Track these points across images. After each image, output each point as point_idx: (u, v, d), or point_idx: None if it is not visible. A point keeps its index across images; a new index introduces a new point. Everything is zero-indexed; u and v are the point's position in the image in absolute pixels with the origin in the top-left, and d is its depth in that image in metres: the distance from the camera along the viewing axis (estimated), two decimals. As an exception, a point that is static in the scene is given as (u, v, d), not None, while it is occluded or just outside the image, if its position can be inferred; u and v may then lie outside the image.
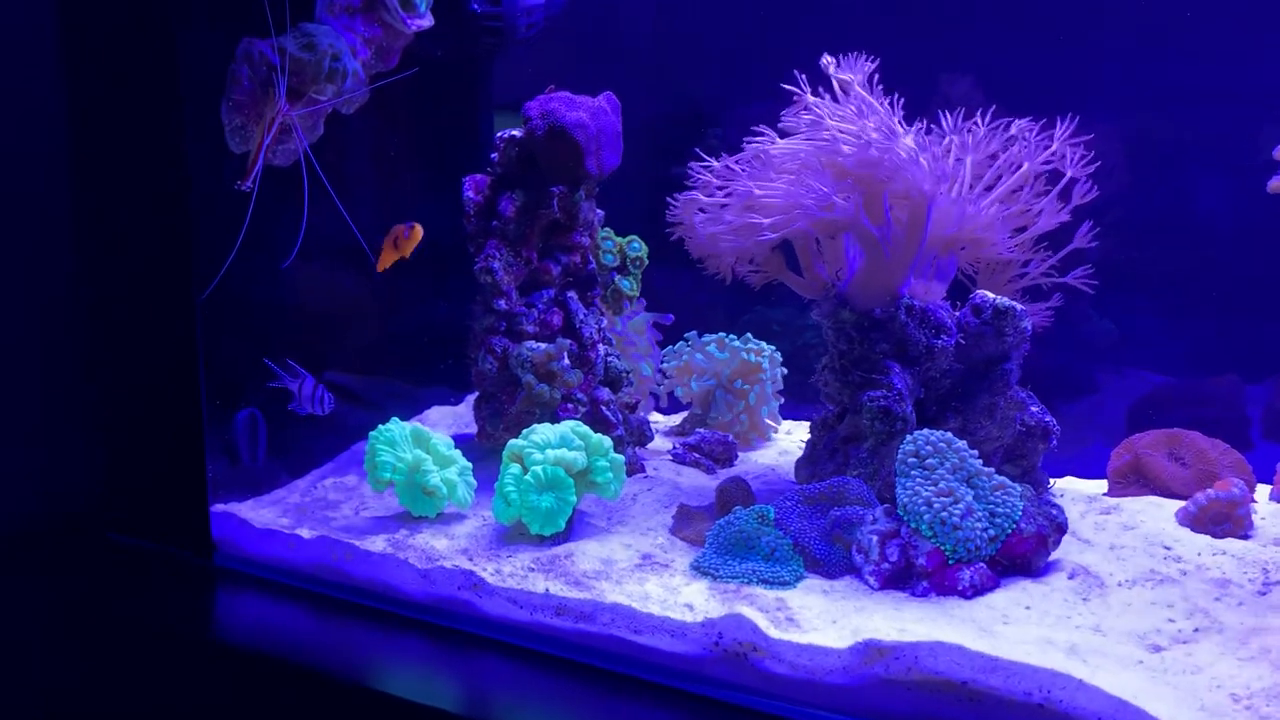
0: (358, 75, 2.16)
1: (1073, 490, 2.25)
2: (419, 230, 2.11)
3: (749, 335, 2.59)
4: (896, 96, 1.93)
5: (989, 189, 2.07)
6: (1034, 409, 2.07)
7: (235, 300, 2.08)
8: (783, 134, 1.99)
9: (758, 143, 1.99)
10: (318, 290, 2.35)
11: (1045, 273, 2.15)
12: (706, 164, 2.10)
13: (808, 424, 2.67)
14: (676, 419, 2.72)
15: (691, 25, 2.85)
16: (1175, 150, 2.52)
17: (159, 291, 2.12)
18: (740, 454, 2.46)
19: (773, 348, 2.59)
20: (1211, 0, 2.35)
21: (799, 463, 2.20)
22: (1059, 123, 2.05)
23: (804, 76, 1.98)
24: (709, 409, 2.56)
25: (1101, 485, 2.29)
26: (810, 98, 1.93)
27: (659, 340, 2.70)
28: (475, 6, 2.42)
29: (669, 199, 2.14)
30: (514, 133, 2.29)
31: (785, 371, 2.60)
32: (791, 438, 2.62)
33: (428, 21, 2.27)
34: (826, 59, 1.94)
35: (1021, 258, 2.08)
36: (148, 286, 2.14)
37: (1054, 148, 2.04)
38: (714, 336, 2.60)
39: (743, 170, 2.03)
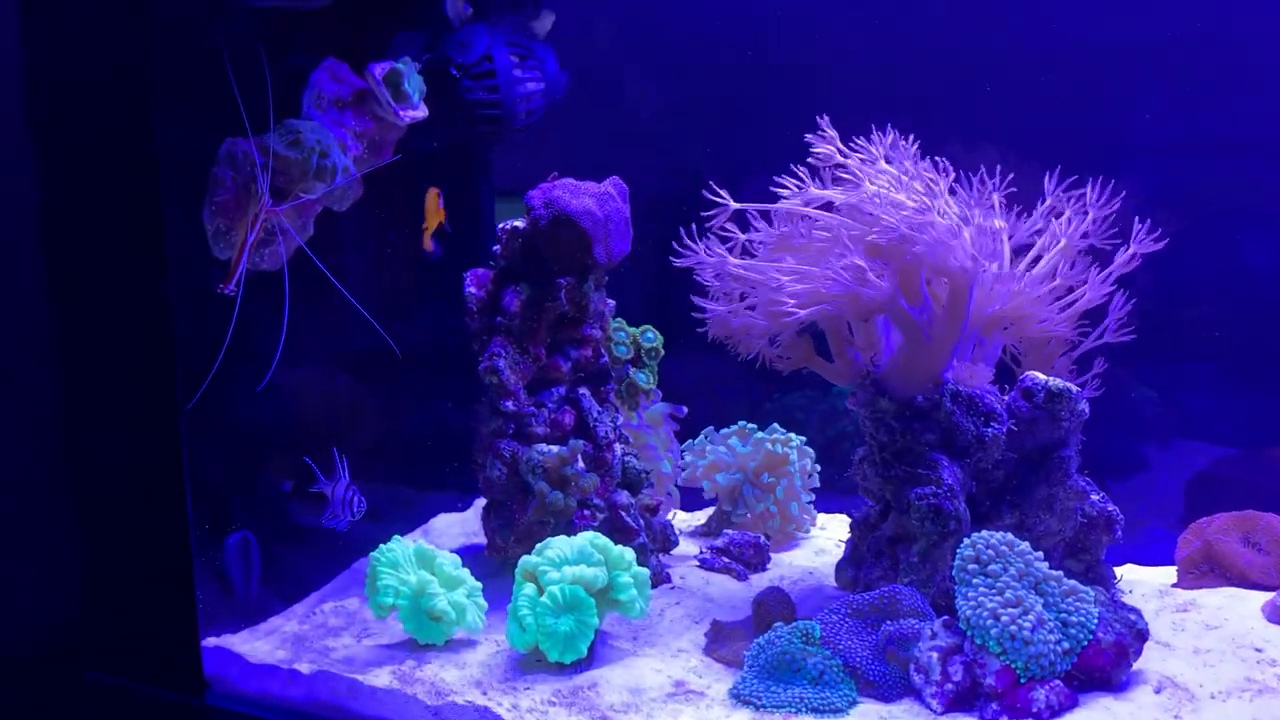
0: (349, 171, 2.05)
1: (1138, 581, 2.06)
2: (433, 192, 2.04)
3: (774, 425, 2.43)
4: (940, 163, 1.78)
5: (1033, 262, 1.92)
6: (1094, 498, 1.89)
7: (223, 413, 1.94)
8: (808, 201, 1.84)
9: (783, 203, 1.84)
10: (312, 396, 2.20)
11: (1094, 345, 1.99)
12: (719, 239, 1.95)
13: (842, 518, 2.51)
14: (700, 516, 2.54)
15: (698, 107, 2.74)
16: (1222, 205, 2.39)
17: (140, 404, 1.97)
18: (772, 555, 2.28)
19: (802, 439, 2.42)
20: (1256, 48, 2.25)
21: (840, 565, 2.02)
22: (1091, 186, 1.92)
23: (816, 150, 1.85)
24: (735, 506, 2.38)
25: (1168, 574, 2.12)
26: (835, 160, 1.79)
27: (676, 431, 2.53)
28: (470, 96, 2.31)
29: (677, 245, 1.98)
30: (516, 223, 2.15)
31: (819, 468, 2.43)
32: (827, 534, 2.44)
33: (421, 113, 2.16)
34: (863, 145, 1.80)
35: (1069, 333, 1.92)
36: (128, 399, 1.99)
37: (1091, 215, 1.90)
38: (734, 428, 2.44)
39: (764, 241, 1.88)
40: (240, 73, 1.90)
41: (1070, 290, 1.93)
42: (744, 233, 1.92)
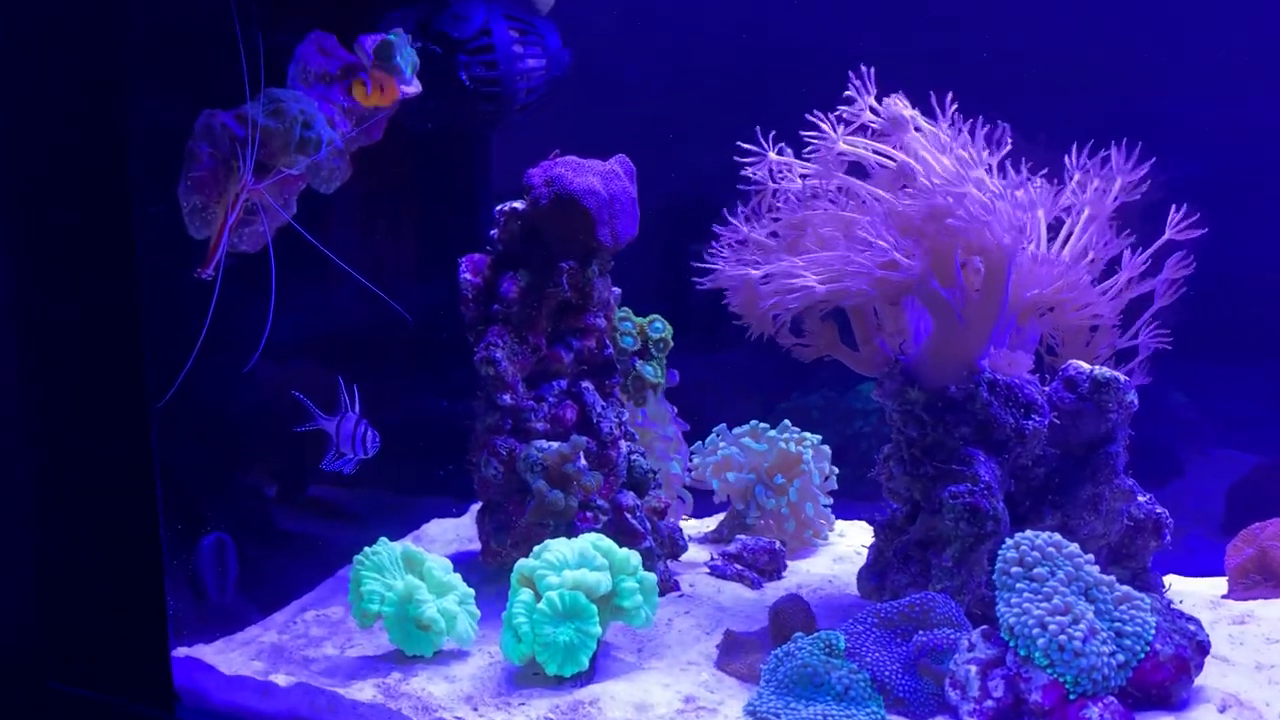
0: (334, 145, 1.91)
1: (1186, 592, 1.92)
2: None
3: (786, 423, 2.28)
4: (981, 129, 1.64)
5: (1065, 240, 1.79)
6: (1141, 499, 1.75)
7: (198, 406, 1.80)
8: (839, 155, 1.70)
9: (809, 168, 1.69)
10: (293, 390, 2.07)
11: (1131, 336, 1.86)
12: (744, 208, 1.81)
13: (861, 525, 2.36)
14: (711, 522, 2.40)
15: (706, 87, 2.61)
16: (1268, 195, 2.26)
17: (107, 397, 1.84)
18: (789, 562, 2.13)
19: (818, 438, 2.27)
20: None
21: (862, 573, 1.87)
22: (1116, 152, 1.80)
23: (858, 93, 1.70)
24: (749, 509, 2.23)
25: (1216, 585, 1.99)
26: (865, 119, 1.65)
27: (685, 432, 2.38)
28: (465, 73, 2.17)
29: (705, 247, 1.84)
30: (515, 204, 2.02)
31: (836, 470, 2.28)
32: (846, 541, 2.29)
33: (414, 88, 2.04)
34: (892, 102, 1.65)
35: (1113, 318, 1.78)
36: (94, 392, 1.86)
37: (1120, 182, 1.76)
38: (747, 427, 2.29)
39: (784, 211, 1.74)
40: (218, 42, 1.77)
41: (1110, 267, 1.79)
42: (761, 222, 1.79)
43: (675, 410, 2.36)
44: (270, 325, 1.76)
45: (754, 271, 1.72)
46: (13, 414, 1.94)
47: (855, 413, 2.54)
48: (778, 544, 2.11)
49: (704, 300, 1.91)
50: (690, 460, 2.33)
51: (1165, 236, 1.83)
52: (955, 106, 1.69)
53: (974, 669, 1.45)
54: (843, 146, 1.68)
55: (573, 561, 1.68)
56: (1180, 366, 2.09)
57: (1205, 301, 2.10)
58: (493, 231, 2.06)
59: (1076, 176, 1.83)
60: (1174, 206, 1.83)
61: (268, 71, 1.85)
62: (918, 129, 1.63)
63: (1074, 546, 1.47)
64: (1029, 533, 1.47)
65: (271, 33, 1.88)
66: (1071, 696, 1.39)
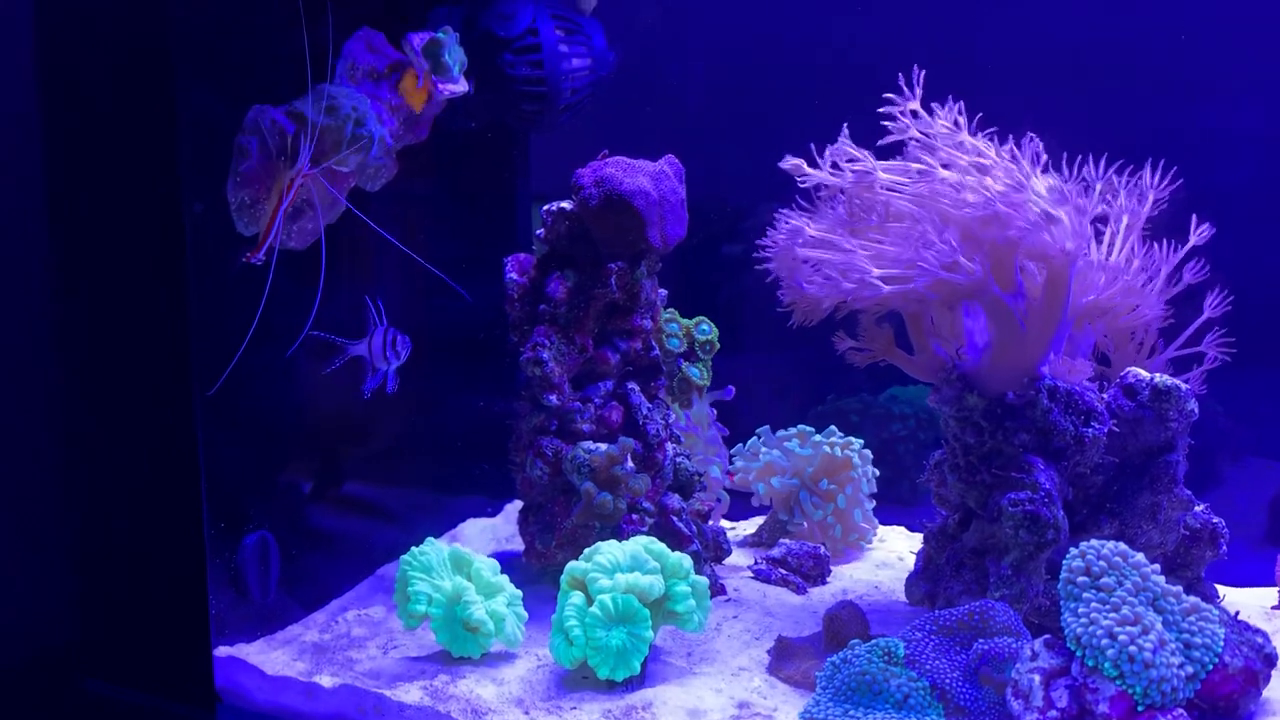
0: (384, 143, 1.90)
1: (1236, 603, 1.89)
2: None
3: (832, 428, 2.26)
4: (1029, 140, 1.62)
5: (1109, 246, 1.77)
6: (1198, 509, 1.73)
7: (241, 401, 1.78)
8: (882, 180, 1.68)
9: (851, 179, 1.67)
10: (335, 387, 2.05)
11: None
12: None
13: (899, 529, 2.35)
14: (749, 525, 2.38)
15: (749, 88, 2.60)
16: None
17: (150, 390, 1.82)
18: (831, 567, 2.11)
19: (861, 442, 2.25)
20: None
21: (911, 579, 1.85)
22: (1150, 171, 1.78)
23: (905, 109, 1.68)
24: (791, 514, 2.21)
25: (1264, 595, 1.97)
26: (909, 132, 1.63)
27: (725, 435, 2.36)
28: (512, 71, 2.16)
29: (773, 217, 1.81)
30: (563, 204, 2.00)
31: (877, 472, 2.26)
32: (887, 546, 2.27)
33: (461, 87, 2.02)
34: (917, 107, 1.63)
35: (1161, 317, 1.76)
36: (137, 384, 1.84)
37: (1152, 198, 1.75)
38: (793, 430, 2.27)
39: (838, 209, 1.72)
40: (269, 39, 1.76)
41: (1149, 280, 1.78)
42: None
43: (715, 413, 2.35)
44: (313, 318, 1.75)
45: (805, 251, 1.69)
46: (55, 407, 1.92)
47: (892, 416, 2.52)
48: (822, 549, 2.09)
49: (739, 301, 1.89)
50: (731, 463, 2.31)
51: (1190, 243, 1.81)
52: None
53: (1038, 678, 1.43)
54: (883, 177, 1.65)
55: (625, 565, 1.66)
56: (1215, 373, 2.08)
57: (1240, 307, 2.09)
58: (539, 231, 2.04)
59: (1099, 187, 1.80)
60: (1194, 216, 1.82)
61: (315, 68, 1.84)
62: (960, 141, 1.61)
63: (1140, 556, 1.45)
64: (1094, 542, 1.45)
65: (321, 29, 1.88)
66: (1140, 708, 1.37)
